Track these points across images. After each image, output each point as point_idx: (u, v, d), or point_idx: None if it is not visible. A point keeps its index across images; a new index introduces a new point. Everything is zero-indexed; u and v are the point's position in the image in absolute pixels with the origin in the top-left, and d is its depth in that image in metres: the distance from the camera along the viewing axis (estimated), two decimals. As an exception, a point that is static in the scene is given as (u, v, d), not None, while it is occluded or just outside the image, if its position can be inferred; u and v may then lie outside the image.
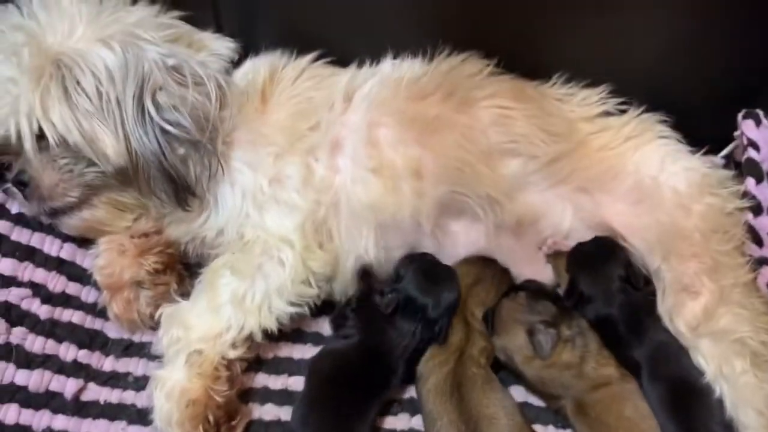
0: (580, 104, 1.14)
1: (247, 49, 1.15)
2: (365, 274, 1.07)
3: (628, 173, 1.08)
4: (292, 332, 1.11)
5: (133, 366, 1.07)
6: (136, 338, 1.10)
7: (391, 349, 1.02)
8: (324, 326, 1.13)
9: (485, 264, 1.08)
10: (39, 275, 1.07)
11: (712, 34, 1.14)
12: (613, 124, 1.13)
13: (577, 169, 1.08)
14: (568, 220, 1.09)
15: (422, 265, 1.06)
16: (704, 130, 1.17)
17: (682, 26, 1.14)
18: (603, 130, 1.12)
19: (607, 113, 1.16)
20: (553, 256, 1.10)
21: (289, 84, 1.09)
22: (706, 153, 1.15)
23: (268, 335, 1.03)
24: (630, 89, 1.18)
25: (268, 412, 1.04)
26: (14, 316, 1.02)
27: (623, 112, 1.17)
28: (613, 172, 1.08)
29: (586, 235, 1.08)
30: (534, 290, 1.06)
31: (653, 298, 1.02)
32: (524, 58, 1.17)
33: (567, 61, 1.18)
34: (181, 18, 1.10)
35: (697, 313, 0.97)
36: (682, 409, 0.95)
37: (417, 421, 1.02)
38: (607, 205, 1.08)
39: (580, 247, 1.07)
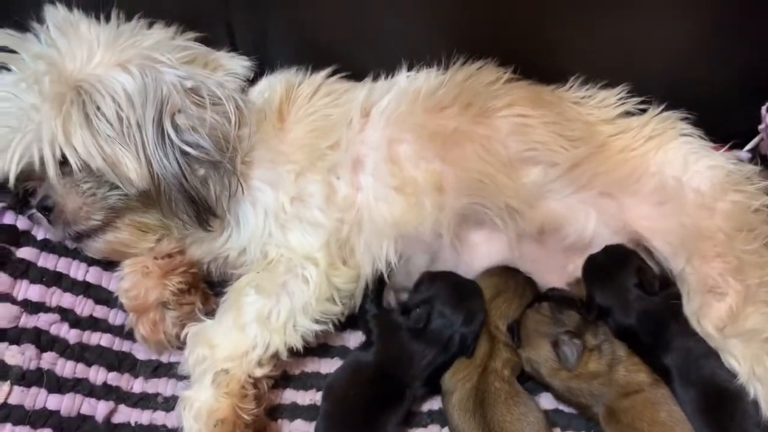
0: (599, 106, 1.14)
1: (262, 66, 1.16)
2: (380, 282, 1.07)
3: (651, 174, 1.07)
4: (318, 347, 1.11)
5: (162, 387, 1.08)
6: (164, 359, 1.11)
7: (411, 363, 1.02)
8: (350, 339, 1.14)
9: (507, 275, 1.08)
10: (67, 300, 1.08)
11: (733, 27, 1.13)
12: (634, 125, 1.12)
13: (598, 173, 1.07)
14: (592, 226, 1.07)
15: (448, 282, 1.06)
16: (728, 124, 1.17)
17: (702, 20, 1.13)
18: (623, 132, 1.11)
19: (628, 113, 1.15)
20: (575, 284, 1.08)
21: (306, 101, 1.10)
22: (731, 148, 1.13)
23: (294, 352, 1.03)
24: (649, 87, 1.17)
25: (297, 428, 1.05)
26: (44, 341, 1.03)
27: (643, 111, 1.16)
28: (636, 174, 1.07)
29: (610, 240, 1.07)
30: (558, 299, 1.05)
31: (677, 301, 1.00)
32: (540, 63, 1.16)
33: (584, 63, 1.18)
34: (196, 39, 1.11)
35: (723, 314, 0.96)
36: (716, 413, 0.94)
37: (447, 433, 1.02)
38: (631, 208, 1.07)
39: (592, 259, 1.07)
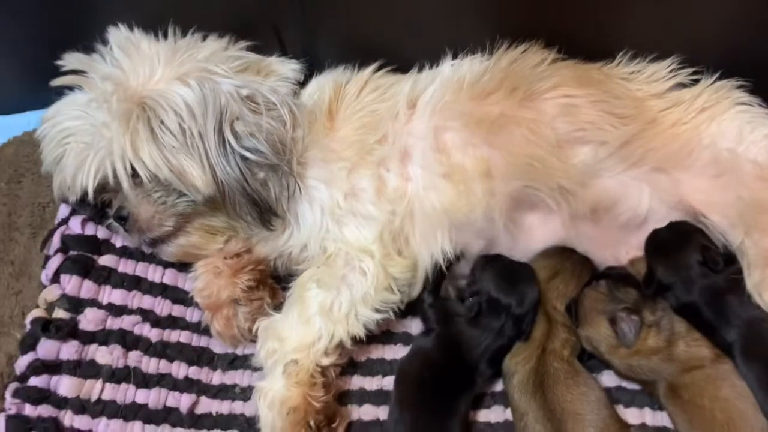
0: (648, 81, 1.12)
1: (312, 67, 1.20)
2: (440, 275, 1.10)
3: (704, 147, 1.05)
4: (381, 334, 1.15)
5: (239, 378, 1.14)
6: (239, 351, 1.17)
7: (470, 349, 1.04)
8: (412, 326, 1.17)
9: (563, 255, 1.08)
10: (146, 302, 1.16)
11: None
12: (685, 97, 1.10)
13: (650, 149, 1.06)
14: (646, 202, 1.07)
15: (499, 266, 1.07)
16: (788, 89, 1.13)
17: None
18: (674, 105, 1.10)
19: (680, 85, 1.13)
20: (632, 264, 1.08)
21: (354, 98, 1.13)
22: (792, 113, 1.10)
23: (357, 340, 1.07)
24: (702, 57, 1.14)
25: (366, 412, 1.09)
26: (129, 341, 1.11)
27: (697, 81, 1.13)
28: (689, 147, 1.05)
29: (667, 216, 1.07)
30: (616, 277, 1.05)
31: (738, 276, 0.99)
32: (586, 41, 1.15)
33: (632, 37, 1.16)
34: (248, 47, 1.16)
35: None
36: (782, 388, 0.92)
37: (510, 413, 1.04)
38: (686, 183, 1.06)
39: (655, 234, 1.06)
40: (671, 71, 1.13)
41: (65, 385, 1.04)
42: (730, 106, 1.09)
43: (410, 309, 1.15)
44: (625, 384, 1.05)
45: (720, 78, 1.12)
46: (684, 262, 1.02)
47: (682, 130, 1.07)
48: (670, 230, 1.06)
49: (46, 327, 1.06)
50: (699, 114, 1.08)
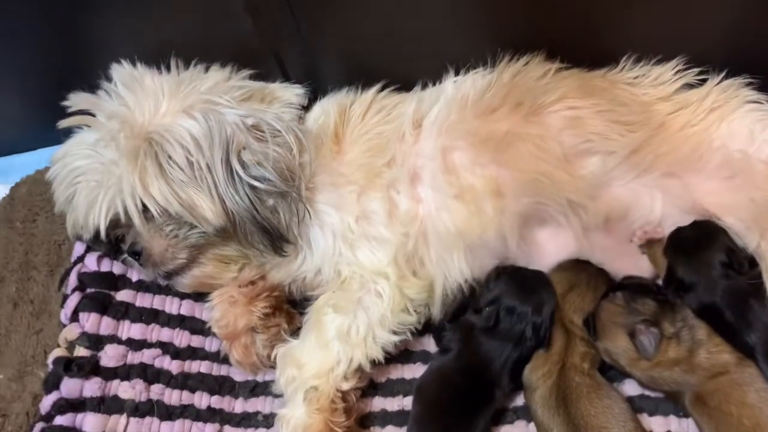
0: (654, 84, 1.11)
1: (315, 91, 1.20)
2: (460, 292, 1.09)
3: (715, 149, 1.04)
4: (400, 354, 1.15)
5: (261, 405, 1.15)
6: (260, 378, 1.17)
7: (490, 361, 1.04)
8: (430, 344, 1.17)
9: (579, 268, 1.08)
10: (165, 334, 1.17)
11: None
12: (693, 99, 1.09)
13: (660, 154, 1.05)
14: (659, 208, 1.06)
15: (513, 274, 1.07)
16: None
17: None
18: (682, 108, 1.09)
19: (688, 85, 1.11)
20: (647, 246, 1.07)
21: (359, 121, 1.13)
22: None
23: (376, 363, 1.07)
24: (708, 56, 1.13)
25: (389, 433, 1.09)
26: (150, 374, 1.12)
27: (704, 81, 1.12)
28: (699, 150, 1.05)
29: (680, 220, 1.06)
30: (633, 288, 1.04)
31: (759, 280, 0.98)
32: (588, 47, 1.15)
33: (635, 40, 1.15)
34: (250, 75, 1.16)
35: None
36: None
37: (533, 428, 1.04)
38: (698, 186, 1.05)
39: (679, 232, 1.05)
40: (677, 72, 1.12)
41: (90, 423, 1.05)
42: (739, 105, 1.08)
43: (427, 327, 1.14)
44: (648, 392, 1.04)
45: (727, 76, 1.11)
46: (707, 262, 1.01)
47: (691, 132, 1.06)
48: (693, 229, 1.04)
49: (68, 366, 1.07)
50: (708, 115, 1.07)
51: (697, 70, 1.12)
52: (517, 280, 1.07)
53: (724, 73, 1.11)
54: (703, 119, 1.07)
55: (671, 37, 1.15)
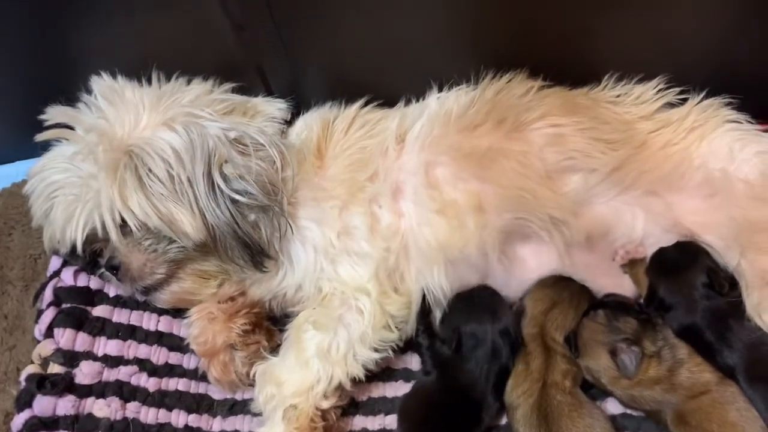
0: (636, 103, 1.12)
1: (298, 106, 1.20)
2: (425, 313, 1.09)
3: (696, 168, 1.05)
4: (382, 372, 1.13)
5: (240, 423, 1.12)
6: (239, 396, 1.15)
7: (473, 383, 1.03)
8: (412, 361, 1.15)
9: (561, 286, 1.07)
10: (143, 351, 1.15)
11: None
12: (674, 118, 1.10)
13: (642, 172, 1.06)
14: (641, 226, 1.06)
15: (460, 300, 1.07)
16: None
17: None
18: (663, 126, 1.10)
19: (669, 104, 1.12)
20: (629, 265, 1.07)
21: (342, 135, 1.12)
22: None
23: (357, 380, 1.05)
24: (689, 75, 1.14)
25: (370, 453, 1.07)
26: (126, 392, 1.10)
27: (684, 101, 1.13)
28: (680, 169, 1.05)
29: (662, 239, 1.06)
30: (614, 306, 1.04)
31: (739, 299, 0.98)
32: (571, 66, 1.15)
33: (617, 58, 1.16)
34: (233, 89, 1.16)
35: None
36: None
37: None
38: (679, 204, 1.05)
39: (661, 252, 1.05)
40: (658, 92, 1.13)
41: (63, 442, 1.02)
42: (719, 124, 1.09)
43: (409, 345, 1.13)
44: (630, 411, 1.03)
45: (707, 96, 1.12)
46: (689, 283, 1.01)
47: (672, 151, 1.07)
48: (676, 250, 1.04)
49: (42, 383, 1.05)
50: (688, 134, 1.08)
51: (678, 89, 1.13)
52: (466, 304, 1.06)
53: (704, 93, 1.12)
54: (684, 138, 1.08)
55: (653, 57, 1.16)
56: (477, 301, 1.06)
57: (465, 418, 1.01)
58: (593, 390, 1.04)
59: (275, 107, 1.17)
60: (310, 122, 1.16)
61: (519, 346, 1.04)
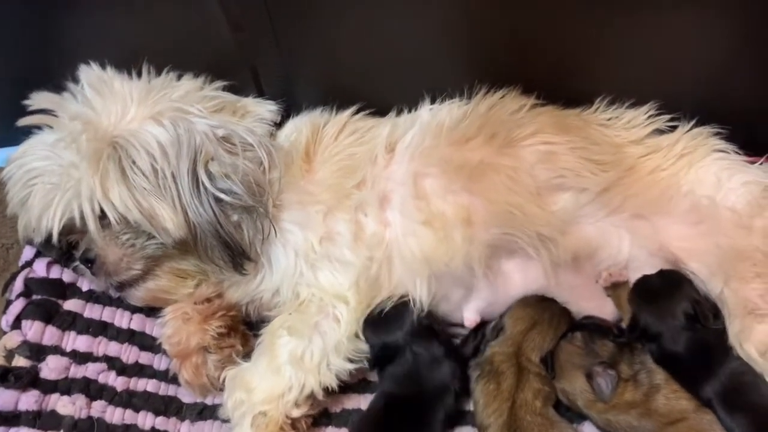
0: (627, 127, 1.13)
1: (289, 109, 1.19)
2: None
3: (684, 195, 1.05)
4: (357, 383, 1.12)
5: (208, 429, 1.09)
6: (209, 401, 1.12)
7: (419, 388, 1.02)
8: (388, 374, 1.14)
9: (543, 306, 1.06)
10: (113, 348, 1.12)
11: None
12: (663, 144, 1.11)
13: (630, 195, 1.05)
14: (626, 249, 1.06)
15: (370, 323, 1.06)
16: (764, 135, 1.13)
17: (733, 32, 1.10)
18: (653, 152, 1.10)
19: (658, 131, 1.13)
20: (612, 288, 1.07)
21: (332, 141, 1.11)
22: (768, 160, 1.11)
23: (330, 390, 1.04)
24: (679, 103, 1.15)
25: (340, 464, 1.05)
26: (93, 390, 1.07)
27: (674, 128, 1.14)
28: (668, 194, 1.05)
29: (647, 263, 1.05)
30: (592, 328, 1.03)
31: (722, 328, 0.97)
32: (565, 86, 1.16)
33: (610, 83, 1.17)
34: (224, 87, 1.14)
35: (765, 336, 0.93)
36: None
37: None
38: (665, 230, 1.05)
39: (645, 280, 1.04)
40: (649, 117, 1.13)
41: (23, 438, 0.99)
42: (707, 153, 1.09)
43: (386, 357, 1.12)
44: (607, 433, 1.02)
45: (696, 125, 1.13)
46: (672, 312, 1.00)
47: (661, 176, 1.07)
48: (659, 278, 1.04)
49: (5, 376, 1.02)
50: (677, 160, 1.08)
51: (668, 116, 1.14)
52: (375, 323, 1.05)
53: (693, 122, 1.13)
54: (673, 164, 1.08)
55: (645, 83, 1.17)
56: (385, 321, 1.05)
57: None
58: (569, 413, 1.02)
59: (266, 108, 1.15)
60: (300, 125, 1.15)
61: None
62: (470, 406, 1.05)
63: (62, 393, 1.05)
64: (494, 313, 1.09)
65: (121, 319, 1.15)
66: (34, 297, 1.10)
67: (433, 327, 1.06)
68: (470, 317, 1.09)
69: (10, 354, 1.05)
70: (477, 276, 1.05)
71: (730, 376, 0.95)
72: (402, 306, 1.05)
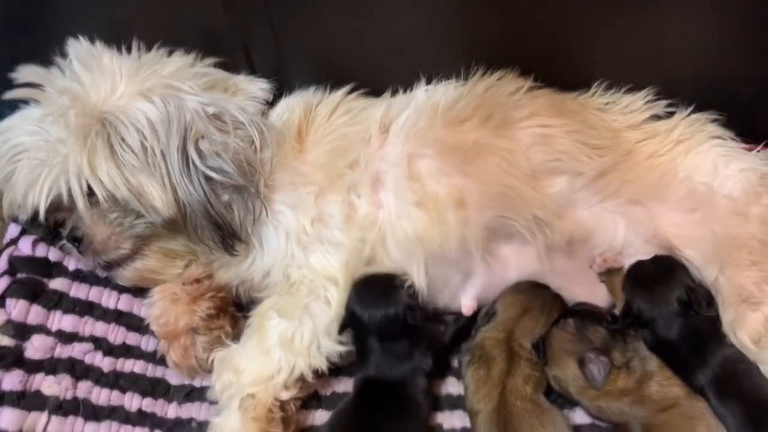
0: (624, 112, 1.12)
1: (281, 88, 1.17)
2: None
3: (680, 181, 1.04)
4: (348, 366, 1.10)
5: (196, 411, 1.08)
6: (197, 383, 1.11)
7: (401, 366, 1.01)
8: (380, 359, 1.13)
9: (535, 292, 1.05)
10: (99, 329, 1.10)
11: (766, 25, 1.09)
12: (661, 129, 1.10)
13: (626, 181, 1.05)
14: (621, 235, 1.05)
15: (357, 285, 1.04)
16: (763, 123, 1.13)
17: (732, 19, 1.09)
18: (650, 137, 1.09)
19: (656, 116, 1.12)
20: (606, 274, 1.06)
21: (325, 120, 1.09)
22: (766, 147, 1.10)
23: (321, 373, 1.02)
24: (677, 89, 1.14)
25: (330, 449, 1.04)
26: (79, 370, 1.05)
27: (672, 114, 1.13)
28: (665, 180, 1.04)
29: (642, 249, 1.05)
30: (585, 315, 1.02)
31: (715, 315, 0.97)
32: (563, 69, 1.15)
33: (608, 67, 1.16)
34: (216, 64, 1.12)
35: (758, 324, 0.93)
36: (764, 428, 0.90)
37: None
38: (661, 216, 1.04)
39: (639, 266, 1.03)
40: (646, 103, 1.12)
41: (6, 418, 0.97)
42: (705, 139, 1.08)
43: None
44: (598, 422, 1.01)
45: (694, 111, 1.12)
46: (666, 298, 0.99)
47: (658, 162, 1.06)
48: (654, 264, 1.03)
49: (-12, 355, 1.00)
50: (675, 146, 1.07)
51: (665, 102, 1.13)
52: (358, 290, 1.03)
53: (691, 108, 1.12)
54: (670, 150, 1.07)
55: (643, 68, 1.16)
56: (373, 292, 1.03)
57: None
58: (560, 399, 1.02)
59: (258, 86, 1.13)
60: (292, 105, 1.12)
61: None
62: (462, 390, 1.05)
63: (47, 373, 1.03)
64: (491, 300, 1.08)
65: (108, 298, 1.13)
66: (19, 275, 1.08)
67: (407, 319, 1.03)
68: (468, 304, 1.08)
69: (-6, 333, 1.03)
70: (475, 259, 1.04)
71: (723, 363, 0.94)
72: (392, 281, 1.03)
